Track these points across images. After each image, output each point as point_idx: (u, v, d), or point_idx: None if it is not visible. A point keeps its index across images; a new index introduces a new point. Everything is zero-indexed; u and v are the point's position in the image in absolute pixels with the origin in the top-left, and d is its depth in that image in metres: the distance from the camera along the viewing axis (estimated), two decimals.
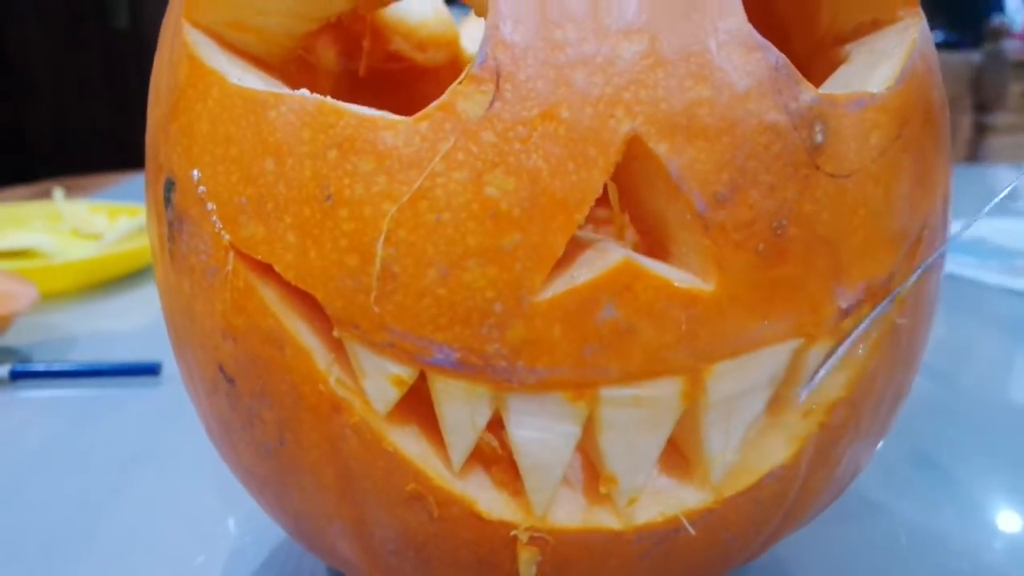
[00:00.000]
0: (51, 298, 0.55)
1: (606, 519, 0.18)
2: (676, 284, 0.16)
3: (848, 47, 0.21)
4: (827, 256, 0.17)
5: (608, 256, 0.16)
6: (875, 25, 0.21)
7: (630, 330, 0.16)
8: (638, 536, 0.18)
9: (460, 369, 0.16)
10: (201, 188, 0.18)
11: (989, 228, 0.69)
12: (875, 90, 0.18)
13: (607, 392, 0.16)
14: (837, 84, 0.19)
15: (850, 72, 0.20)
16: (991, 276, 0.59)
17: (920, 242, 0.19)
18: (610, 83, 0.15)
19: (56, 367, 0.43)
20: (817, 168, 0.16)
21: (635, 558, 0.18)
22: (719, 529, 0.19)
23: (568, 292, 0.16)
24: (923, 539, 0.29)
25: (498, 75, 0.15)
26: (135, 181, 0.98)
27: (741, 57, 0.16)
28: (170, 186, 0.19)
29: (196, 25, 0.19)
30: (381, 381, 0.17)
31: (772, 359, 0.17)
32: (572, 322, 0.16)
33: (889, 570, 0.28)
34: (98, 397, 0.42)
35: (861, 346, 0.19)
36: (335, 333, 0.17)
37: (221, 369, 0.19)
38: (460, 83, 0.15)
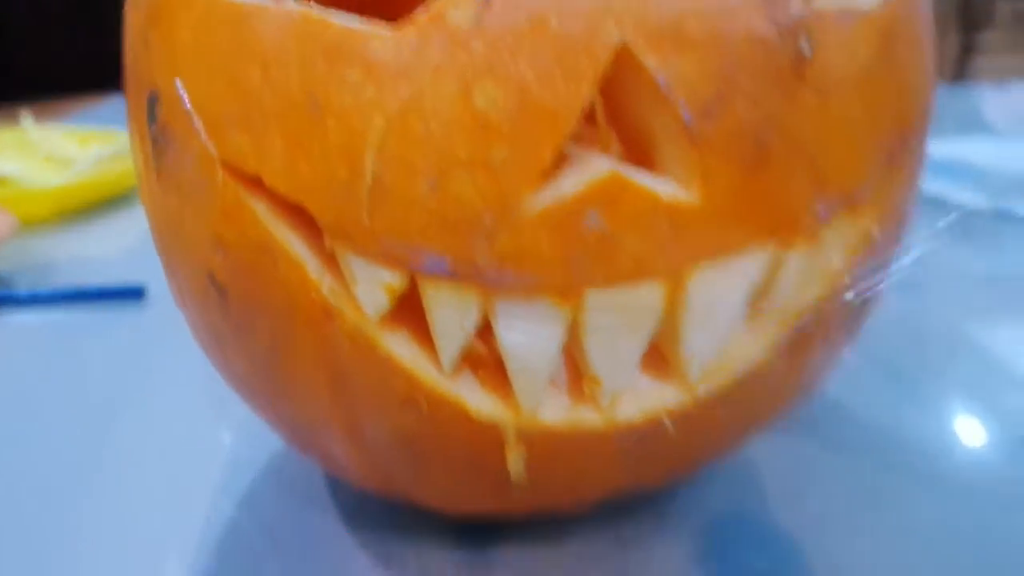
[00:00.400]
0: (28, 226, 0.54)
1: (589, 418, 0.19)
2: (661, 196, 0.16)
3: None
4: (808, 167, 0.17)
5: (595, 167, 0.16)
6: None
7: (615, 238, 0.16)
8: (619, 434, 0.19)
9: (450, 276, 0.17)
10: (186, 100, 0.18)
11: (965, 149, 0.70)
12: (863, 4, 0.18)
13: (592, 296, 0.17)
14: None
15: None
16: (965, 197, 0.60)
17: (899, 154, 0.19)
18: None
19: (40, 292, 0.43)
20: (803, 80, 0.17)
21: (616, 455, 0.20)
22: (696, 427, 0.20)
23: (556, 204, 0.16)
24: (885, 443, 0.31)
25: None
26: (106, 106, 0.95)
27: None
28: (154, 100, 0.19)
29: None
30: (373, 288, 0.17)
31: (751, 264, 0.18)
32: (559, 232, 0.16)
33: (852, 471, 0.29)
34: (84, 321, 0.42)
35: (835, 255, 0.20)
36: (326, 243, 0.17)
37: (212, 280, 0.19)
38: None
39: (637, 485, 0.22)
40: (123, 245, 0.54)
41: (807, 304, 0.19)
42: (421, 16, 0.16)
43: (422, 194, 0.16)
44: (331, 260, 0.18)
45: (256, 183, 0.17)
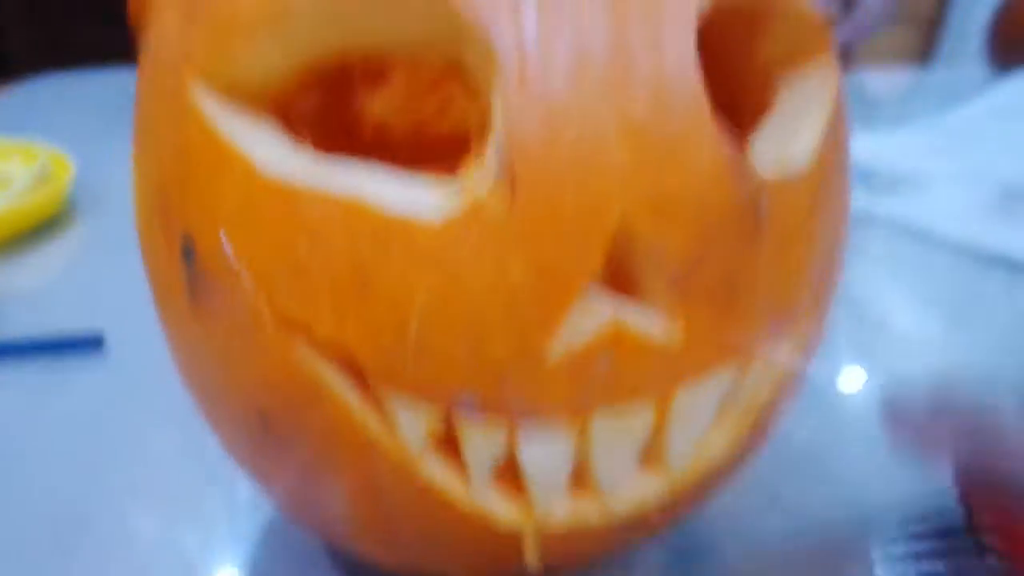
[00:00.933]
0: None
1: (591, 511, 0.22)
2: (655, 339, 0.20)
3: (777, 81, 0.24)
4: (765, 303, 0.21)
5: (599, 315, 0.19)
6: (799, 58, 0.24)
7: (617, 372, 0.20)
8: (615, 521, 0.23)
9: (482, 411, 0.20)
10: (231, 255, 0.20)
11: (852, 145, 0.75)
12: (800, 156, 0.22)
13: (597, 418, 0.20)
14: (766, 142, 0.23)
15: (777, 127, 0.23)
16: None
17: (828, 275, 0.24)
18: (605, 180, 0.18)
19: None
20: (761, 235, 0.20)
21: (611, 534, 0.23)
22: (677, 505, 0.24)
23: (570, 354, 0.19)
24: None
25: (514, 182, 0.18)
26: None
27: (711, 148, 0.19)
28: (190, 244, 0.21)
29: (199, 75, 0.20)
30: (413, 422, 0.20)
31: (721, 380, 0.22)
32: (574, 374, 0.19)
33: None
34: (41, 378, 0.41)
35: (781, 360, 0.24)
36: (371, 384, 0.20)
37: (255, 410, 0.21)
38: (483, 189, 0.18)
39: (626, 547, 0.25)
40: (57, 278, 0.53)
41: (761, 402, 0.24)
42: (460, 208, 0.18)
43: (461, 351, 0.19)
44: (374, 397, 0.20)
45: (305, 329, 0.19)
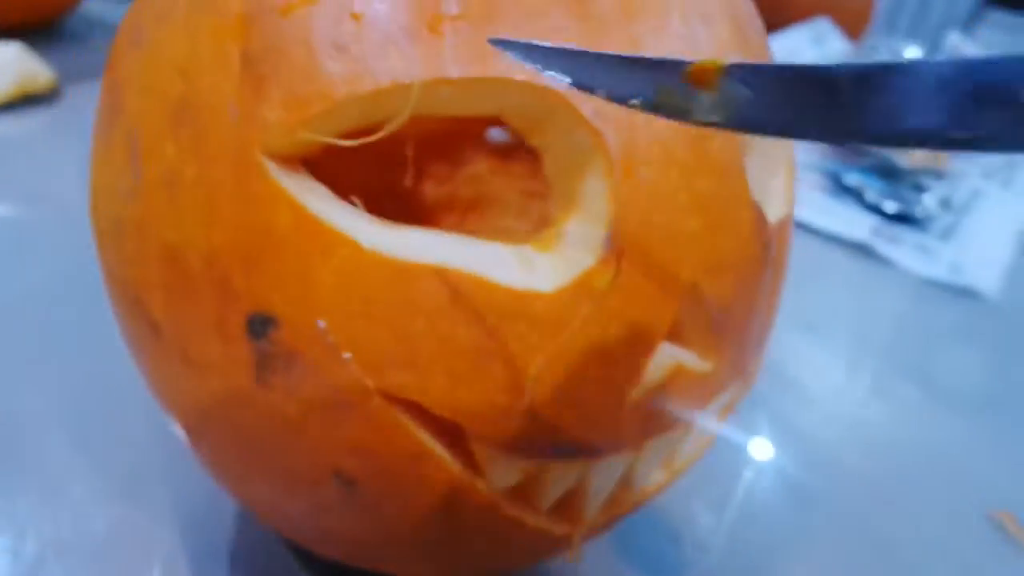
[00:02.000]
0: None
1: (622, 506, 0.26)
2: (699, 372, 0.23)
3: None
4: (760, 329, 0.26)
5: (666, 359, 0.22)
6: None
7: (672, 403, 0.23)
8: (636, 505, 0.26)
9: (574, 456, 0.22)
10: (330, 338, 0.19)
11: None
12: (779, 202, 0.26)
13: (649, 443, 0.24)
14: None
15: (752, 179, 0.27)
16: None
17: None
18: (681, 249, 0.21)
19: None
20: (765, 275, 0.25)
21: (629, 514, 0.27)
22: (672, 483, 0.28)
23: (643, 396, 0.22)
24: None
25: (620, 256, 0.20)
26: None
27: (749, 209, 0.22)
28: (265, 322, 0.19)
29: (266, 151, 0.19)
30: (508, 472, 0.22)
31: (725, 395, 0.26)
32: (643, 411, 0.22)
33: None
34: None
35: None
36: (473, 446, 0.21)
37: (337, 474, 0.21)
38: (590, 260, 0.20)
39: None
40: None
41: (733, 400, 0.28)
42: (572, 282, 0.20)
43: (565, 404, 0.20)
44: (467, 453, 0.21)
45: (412, 401, 0.20)
